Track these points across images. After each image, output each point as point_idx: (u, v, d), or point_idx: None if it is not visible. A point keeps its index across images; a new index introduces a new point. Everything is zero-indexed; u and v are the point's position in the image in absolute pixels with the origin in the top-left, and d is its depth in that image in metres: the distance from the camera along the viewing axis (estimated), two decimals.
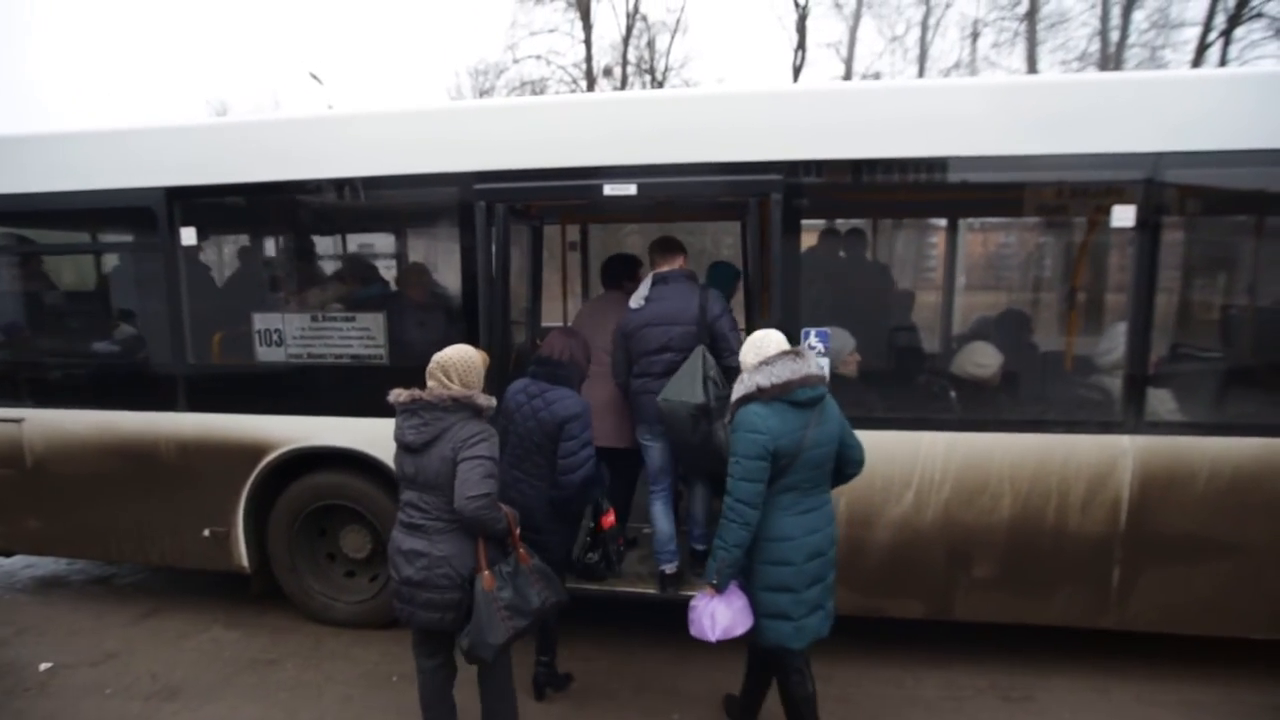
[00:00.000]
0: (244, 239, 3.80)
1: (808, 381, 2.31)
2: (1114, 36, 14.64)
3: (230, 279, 3.89)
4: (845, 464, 2.51)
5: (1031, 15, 15.32)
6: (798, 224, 3.06)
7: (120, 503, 3.78)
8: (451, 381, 2.42)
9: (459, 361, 2.46)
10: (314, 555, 3.80)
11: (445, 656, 2.58)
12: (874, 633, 3.43)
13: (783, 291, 3.07)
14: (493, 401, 2.46)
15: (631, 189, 3.13)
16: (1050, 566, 3.09)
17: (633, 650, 3.48)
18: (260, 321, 3.55)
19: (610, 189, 3.14)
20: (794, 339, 3.06)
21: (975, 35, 15.76)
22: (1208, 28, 13.35)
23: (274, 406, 3.56)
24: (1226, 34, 13.01)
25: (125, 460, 3.72)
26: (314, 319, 3.51)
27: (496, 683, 2.55)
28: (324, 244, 3.80)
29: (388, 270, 3.73)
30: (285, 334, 3.52)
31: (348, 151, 3.36)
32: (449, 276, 3.45)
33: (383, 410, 3.34)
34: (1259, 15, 13.15)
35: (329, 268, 3.79)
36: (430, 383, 2.45)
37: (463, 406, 2.38)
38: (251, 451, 3.60)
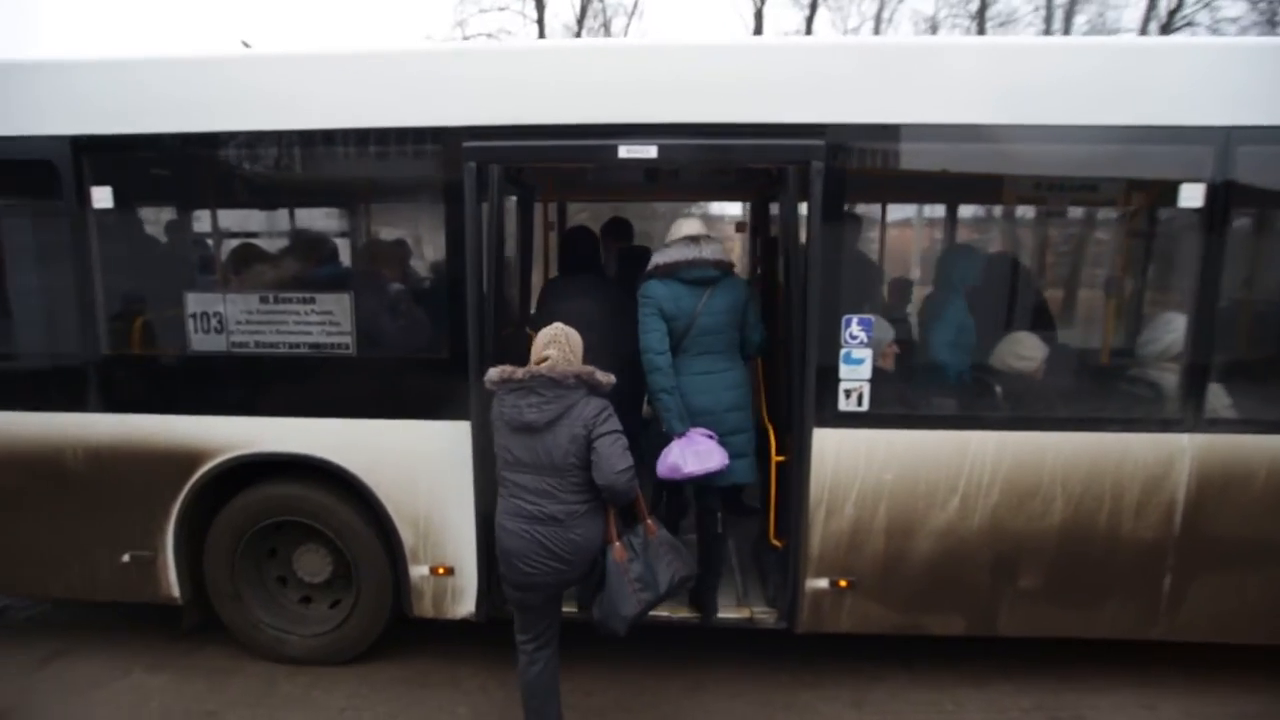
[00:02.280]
0: (174, 203, 3.15)
1: (696, 264, 2.80)
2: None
3: (155, 252, 3.23)
4: (744, 344, 2.97)
5: (981, 13, 15.65)
6: (840, 199, 2.71)
7: (15, 523, 3.10)
8: (573, 357, 2.33)
9: (574, 336, 2.38)
10: (262, 580, 3.22)
11: (552, 641, 2.46)
12: (898, 651, 3.14)
13: (822, 274, 2.72)
14: (611, 378, 2.34)
15: (651, 151, 2.70)
16: (1100, 576, 2.85)
17: (643, 681, 3.07)
18: (195, 303, 2.94)
19: (627, 150, 2.70)
20: (834, 326, 2.73)
21: (933, 30, 15.93)
22: (1143, 34, 13.90)
23: (213, 405, 2.97)
24: None
25: (21, 471, 3.04)
26: (264, 301, 2.93)
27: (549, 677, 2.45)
28: (275, 212, 3.19)
29: (356, 244, 3.17)
30: (227, 318, 2.93)
31: (306, 98, 2.79)
32: (430, 253, 2.95)
33: (349, 409, 2.85)
34: (1190, 24, 13.86)
35: (280, 240, 3.20)
36: (550, 354, 2.30)
37: (584, 383, 2.29)
38: (184, 460, 2.99)
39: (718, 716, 2.86)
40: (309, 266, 3.07)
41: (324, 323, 2.90)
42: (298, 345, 2.92)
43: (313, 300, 2.90)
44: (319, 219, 3.14)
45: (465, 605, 3.03)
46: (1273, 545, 2.78)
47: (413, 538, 2.98)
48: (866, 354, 2.76)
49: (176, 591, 3.12)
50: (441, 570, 3.00)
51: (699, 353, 2.85)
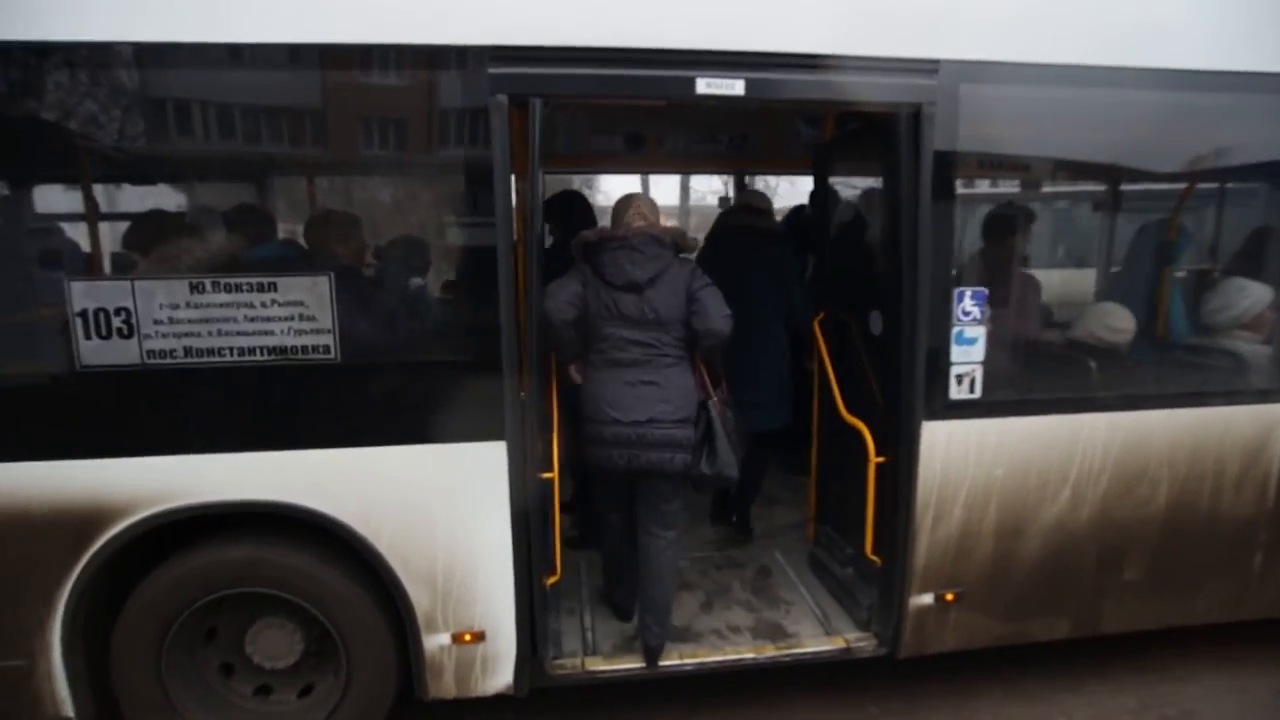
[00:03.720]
0: (47, 151, 2.13)
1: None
2: None
3: (15, 224, 2.21)
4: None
5: None
6: (953, 150, 2.29)
7: None
8: (655, 220, 2.47)
9: (652, 200, 2.55)
10: (199, 674, 2.34)
11: (629, 512, 2.58)
12: (978, 664, 2.82)
13: (933, 240, 2.30)
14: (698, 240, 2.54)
15: (738, 86, 2.15)
16: (1199, 559, 2.69)
17: None
18: (86, 296, 2.01)
19: (707, 85, 2.13)
20: (945, 299, 2.33)
21: None
22: None
23: (120, 442, 2.07)
24: None
25: None
26: (198, 289, 2.06)
27: (667, 550, 2.52)
28: (212, 163, 2.25)
29: (335, 208, 2.32)
30: (140, 316, 2.03)
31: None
32: (443, 220, 2.22)
33: (332, 436, 2.10)
34: None
35: (221, 203, 2.28)
36: (634, 220, 2.42)
37: (674, 242, 2.41)
38: (76, 523, 2.07)
39: None
40: (265, 239, 2.23)
41: (292, 317, 2.09)
42: (252, 351, 2.09)
43: (274, 287, 2.07)
44: (279, 174, 2.27)
45: (500, 677, 2.35)
46: None
47: (428, 599, 2.25)
48: (979, 332, 2.39)
49: (71, 710, 2.18)
50: (468, 637, 2.30)
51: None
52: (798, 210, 4.70)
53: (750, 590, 2.97)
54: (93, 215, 2.08)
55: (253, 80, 2.04)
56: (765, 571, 3.13)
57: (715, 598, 2.91)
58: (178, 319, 2.05)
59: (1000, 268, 2.65)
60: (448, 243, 2.22)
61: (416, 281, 2.26)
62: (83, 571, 2.09)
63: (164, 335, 2.05)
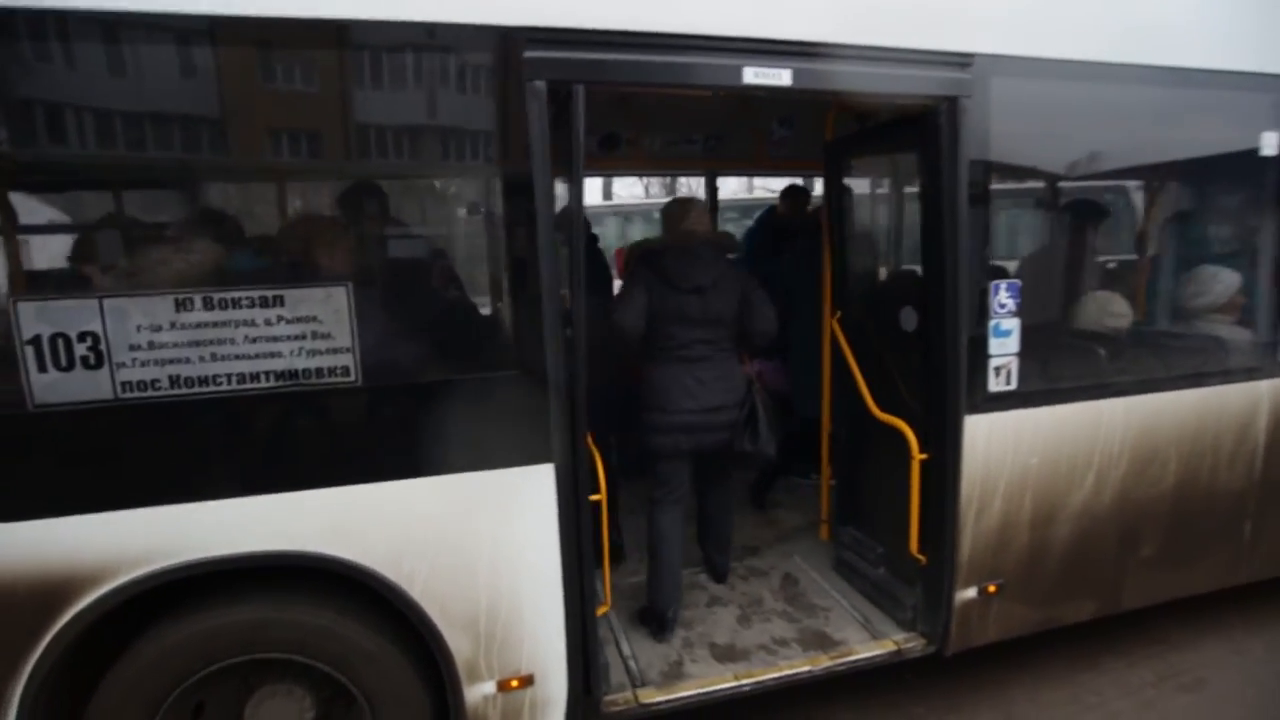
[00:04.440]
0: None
1: None
2: None
3: None
4: None
5: None
6: (986, 143, 2.28)
7: None
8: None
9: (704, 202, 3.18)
10: None
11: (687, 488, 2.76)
12: (990, 655, 2.83)
13: (970, 233, 2.28)
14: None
15: (785, 77, 2.04)
16: (1200, 531, 2.82)
17: None
18: (37, 319, 1.64)
19: (755, 74, 2.01)
20: (983, 295, 2.33)
21: None
22: None
23: (89, 495, 1.71)
24: None
25: None
26: (184, 307, 1.73)
27: (727, 492, 2.94)
28: (201, 154, 1.90)
29: (352, 208, 2.01)
30: (114, 341, 1.68)
31: None
32: (477, 220, 1.98)
33: (355, 470, 1.83)
34: None
35: (213, 202, 1.93)
36: (695, 225, 2.61)
37: (724, 246, 2.75)
38: (33, 597, 1.69)
39: None
40: (272, 245, 1.91)
41: (304, 336, 1.80)
42: (255, 378, 1.78)
43: (280, 300, 1.77)
44: (284, 165, 1.95)
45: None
46: None
47: (469, 646, 2.00)
48: (1015, 323, 2.39)
49: None
50: (515, 682, 2.06)
51: None
52: (770, 211, 4.69)
53: (784, 600, 2.87)
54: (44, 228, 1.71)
55: (252, 57, 1.74)
56: (792, 580, 3.04)
57: (750, 611, 2.79)
58: (160, 342, 1.71)
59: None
60: (481, 246, 1.99)
61: (448, 288, 2.00)
62: (44, 655, 1.71)
63: (143, 363, 1.71)
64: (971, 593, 2.50)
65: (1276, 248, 2.77)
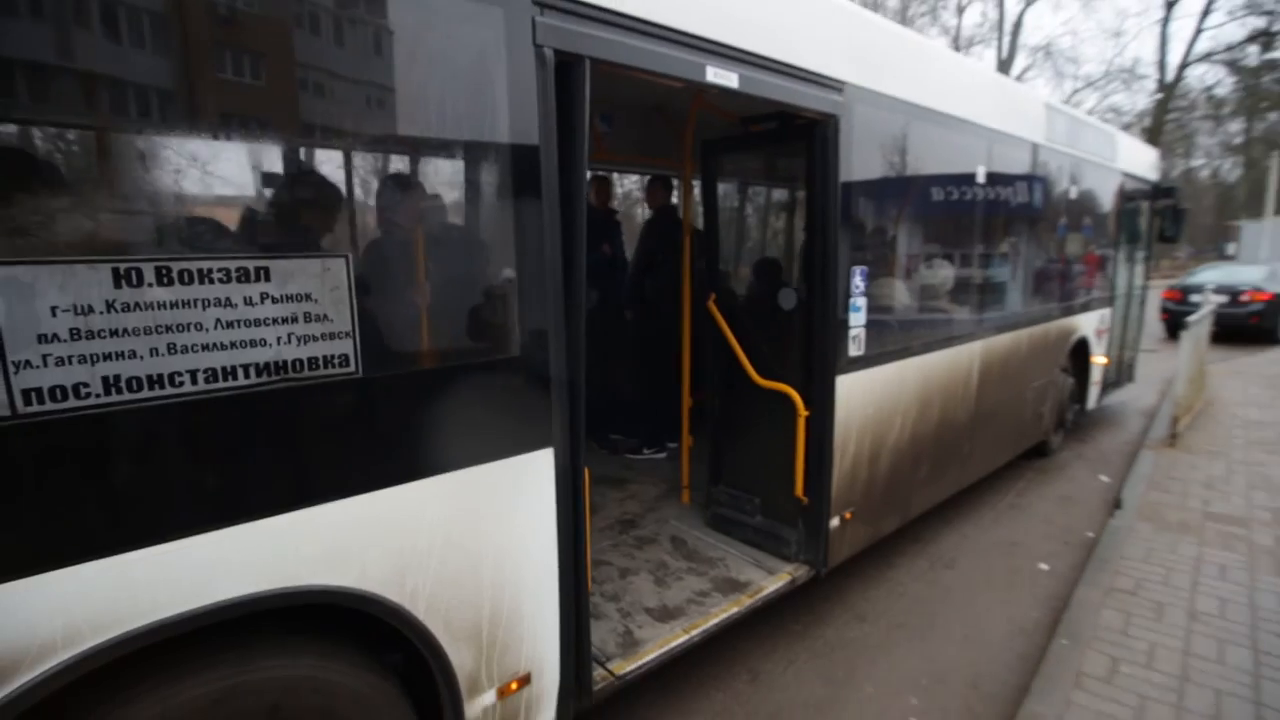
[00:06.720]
0: None
1: None
2: None
3: None
4: None
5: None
6: (851, 155, 2.83)
7: None
8: None
9: None
10: None
11: None
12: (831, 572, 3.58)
13: (840, 231, 2.81)
14: None
15: (733, 79, 2.27)
16: (947, 453, 3.89)
17: (710, 693, 2.68)
18: None
19: (714, 74, 2.20)
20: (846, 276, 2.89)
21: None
22: None
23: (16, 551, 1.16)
24: None
25: None
26: (133, 281, 1.25)
27: None
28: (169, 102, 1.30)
29: (353, 172, 1.57)
30: (5, 334, 1.16)
31: None
32: (479, 190, 1.77)
33: (356, 480, 1.64)
34: None
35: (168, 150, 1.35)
36: None
37: None
38: None
39: (790, 690, 2.76)
40: (251, 210, 1.44)
41: (292, 318, 1.45)
42: (231, 373, 1.38)
43: (265, 274, 1.40)
44: (282, 135, 1.45)
45: (543, 715, 2.06)
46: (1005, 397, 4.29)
47: (472, 658, 1.84)
48: (864, 301, 3.01)
49: None
50: (514, 685, 1.95)
51: None
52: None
53: (683, 558, 3.13)
54: None
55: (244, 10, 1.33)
56: (680, 540, 3.31)
57: (660, 574, 2.99)
58: (91, 331, 1.23)
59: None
60: (482, 219, 1.81)
61: (457, 263, 1.77)
62: None
63: (60, 361, 1.21)
64: (836, 521, 3.08)
65: (975, 247, 3.93)
